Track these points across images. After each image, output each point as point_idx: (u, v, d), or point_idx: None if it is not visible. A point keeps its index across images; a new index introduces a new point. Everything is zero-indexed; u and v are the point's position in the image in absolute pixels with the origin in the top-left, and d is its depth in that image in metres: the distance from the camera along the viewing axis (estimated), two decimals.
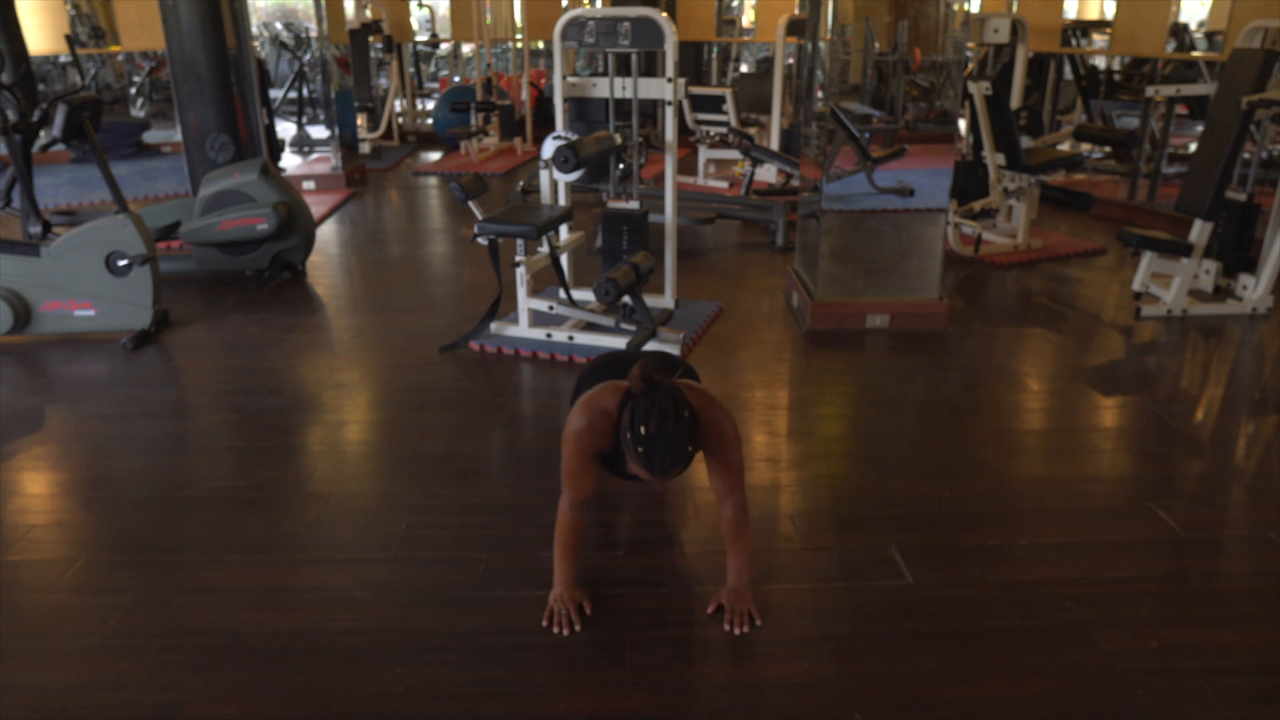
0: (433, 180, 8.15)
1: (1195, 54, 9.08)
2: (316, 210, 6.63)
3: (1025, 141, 5.79)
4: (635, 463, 1.95)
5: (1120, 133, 6.90)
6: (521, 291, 4.06)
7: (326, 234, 6.24)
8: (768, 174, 7.37)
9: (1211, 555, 2.55)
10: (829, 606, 2.32)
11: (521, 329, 4.09)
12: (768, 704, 1.99)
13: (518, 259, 3.98)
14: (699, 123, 7.77)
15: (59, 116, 4.29)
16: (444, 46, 13.23)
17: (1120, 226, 5.21)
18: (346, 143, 7.80)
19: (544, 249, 4.11)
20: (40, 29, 8.83)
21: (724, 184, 7.41)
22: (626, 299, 3.75)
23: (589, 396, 2.18)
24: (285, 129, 9.02)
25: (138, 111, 10.76)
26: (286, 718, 1.95)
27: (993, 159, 5.49)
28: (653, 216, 4.55)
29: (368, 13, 9.82)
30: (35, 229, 5.10)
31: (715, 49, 11.07)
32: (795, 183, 6.81)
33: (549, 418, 3.48)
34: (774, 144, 7.62)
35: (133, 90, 10.94)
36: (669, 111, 4.15)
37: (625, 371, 2.30)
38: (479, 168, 8.44)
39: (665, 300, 4.40)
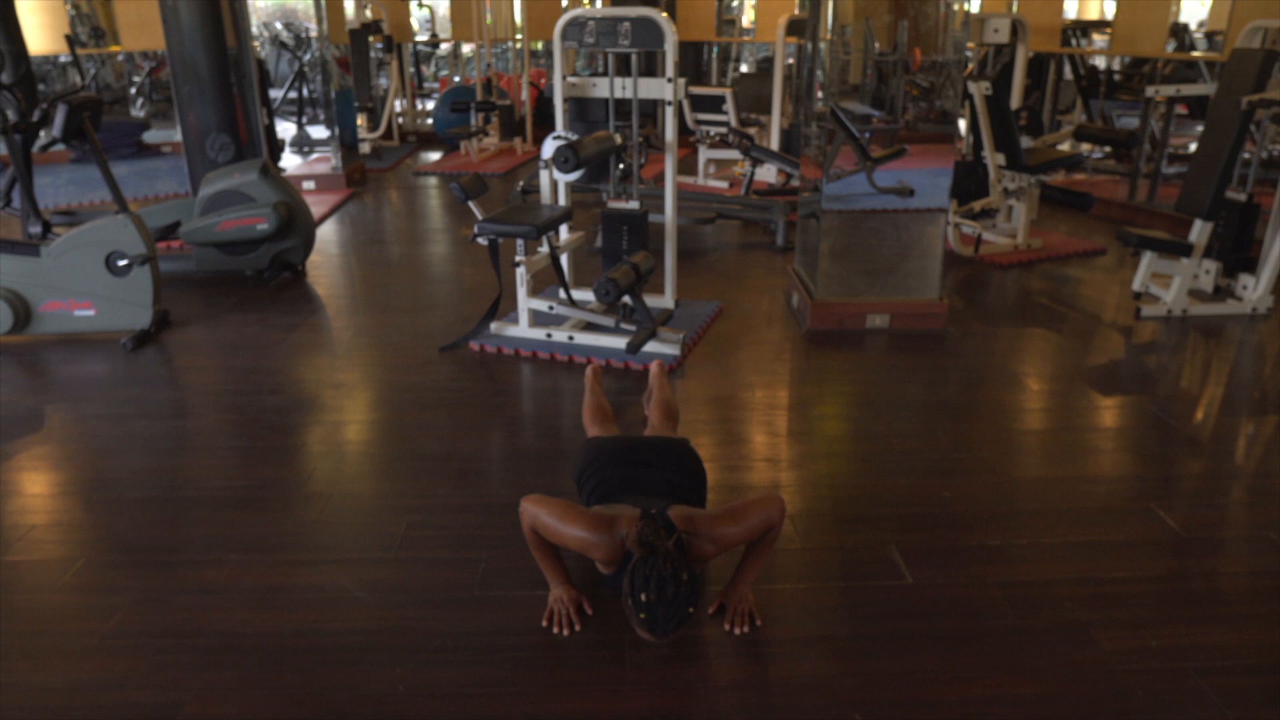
0: (433, 180, 8.15)
1: (1195, 54, 9.08)
2: (316, 210, 6.63)
3: (1025, 141, 5.79)
4: (638, 627, 1.97)
5: (1120, 133, 6.89)
6: (521, 291, 4.06)
7: (326, 234, 6.24)
8: (768, 174, 7.37)
9: (1211, 555, 2.55)
10: (829, 606, 2.32)
11: (521, 329, 4.09)
12: (768, 704, 1.99)
13: (518, 259, 3.98)
14: (699, 123, 7.77)
15: (59, 116, 4.29)
16: (444, 46, 13.23)
17: (1120, 226, 5.21)
18: (346, 143, 7.80)
19: (544, 249, 4.11)
20: (40, 29, 8.83)
21: (724, 184, 7.41)
22: (626, 299, 3.75)
23: (611, 518, 2.11)
24: (285, 129, 9.02)
25: (138, 111, 10.76)
26: (286, 718, 1.95)
27: (993, 159, 5.49)
28: (653, 216, 4.55)
29: (368, 13, 9.82)
30: (35, 229, 5.10)
31: (715, 49, 11.06)
32: (795, 183, 6.81)
33: (549, 418, 3.48)
34: (774, 144, 7.62)
35: (133, 90, 10.94)
36: (669, 111, 4.15)
37: (636, 480, 2.33)
38: (479, 168, 8.44)
39: (665, 300, 4.40)
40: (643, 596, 1.92)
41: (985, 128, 5.45)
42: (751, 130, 7.68)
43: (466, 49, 11.86)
